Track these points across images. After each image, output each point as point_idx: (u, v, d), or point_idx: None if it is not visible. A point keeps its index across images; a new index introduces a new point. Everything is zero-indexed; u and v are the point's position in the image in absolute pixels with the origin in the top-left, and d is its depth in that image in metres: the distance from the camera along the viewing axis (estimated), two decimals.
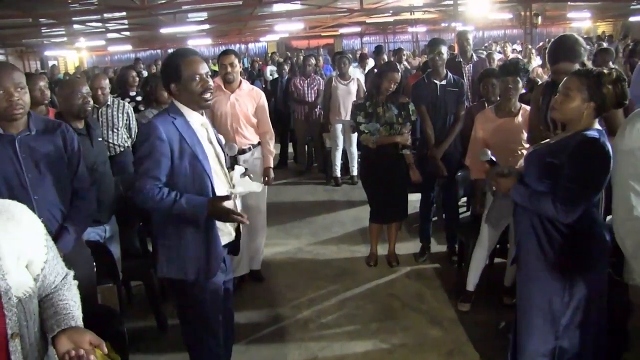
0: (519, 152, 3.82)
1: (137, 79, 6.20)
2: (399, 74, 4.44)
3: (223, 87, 4.36)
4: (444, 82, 4.66)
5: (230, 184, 2.77)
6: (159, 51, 26.38)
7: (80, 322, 1.72)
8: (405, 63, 8.75)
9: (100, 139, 3.59)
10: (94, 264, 3.00)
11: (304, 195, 7.25)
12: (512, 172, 2.67)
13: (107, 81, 4.91)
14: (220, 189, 2.68)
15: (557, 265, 2.49)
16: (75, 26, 16.45)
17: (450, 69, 4.86)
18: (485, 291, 4.05)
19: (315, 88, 7.79)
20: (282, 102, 8.75)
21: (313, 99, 7.80)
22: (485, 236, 3.86)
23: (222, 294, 2.86)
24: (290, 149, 9.01)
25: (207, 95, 2.63)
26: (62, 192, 2.74)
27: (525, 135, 3.75)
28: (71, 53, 25.21)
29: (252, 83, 13.18)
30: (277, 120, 9.35)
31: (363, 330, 3.82)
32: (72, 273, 1.90)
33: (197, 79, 2.57)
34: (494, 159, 2.81)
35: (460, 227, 4.58)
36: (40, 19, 13.98)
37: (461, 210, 5.29)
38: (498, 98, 4.23)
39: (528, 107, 3.78)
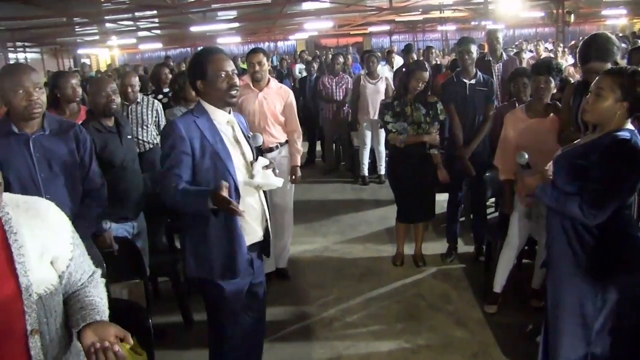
0: (550, 154, 3.76)
1: (170, 75, 6.27)
2: (428, 73, 4.41)
3: (251, 85, 4.39)
4: (473, 81, 4.61)
5: (250, 174, 2.70)
6: (188, 49, 26.64)
7: (105, 317, 1.74)
8: (437, 60, 8.65)
9: (129, 137, 3.64)
10: (105, 264, 3.03)
11: (331, 194, 7.24)
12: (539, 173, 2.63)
13: (137, 79, 4.98)
14: (244, 188, 2.66)
15: (589, 269, 2.43)
16: (107, 25, 16.69)
17: (479, 68, 4.81)
18: (513, 293, 4.00)
19: (343, 87, 7.78)
20: (310, 101, 8.77)
21: (341, 97, 7.79)
22: (514, 237, 3.81)
23: (243, 297, 2.84)
24: (318, 148, 9.02)
25: (234, 92, 2.64)
26: (72, 192, 2.79)
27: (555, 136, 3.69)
28: (103, 51, 25.67)
29: (281, 81, 13.31)
30: (305, 119, 9.38)
31: (388, 330, 3.80)
32: (99, 271, 1.93)
33: (223, 75, 2.58)
34: (529, 163, 2.79)
35: (488, 227, 4.52)
36: (74, 18, 14.24)
37: (489, 210, 5.23)
38: (529, 98, 4.18)
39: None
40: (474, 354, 3.49)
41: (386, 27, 22.37)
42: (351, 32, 23.77)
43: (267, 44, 29.35)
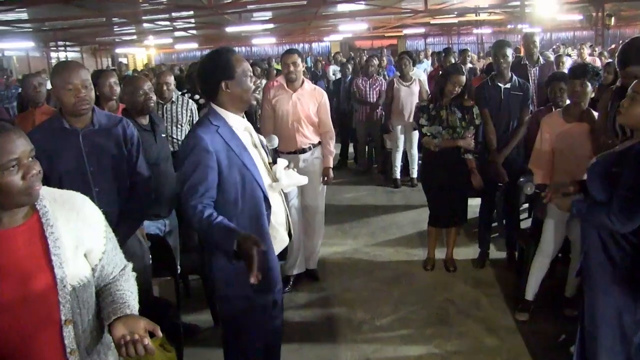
0: (587, 159, 3.69)
1: None
2: (464, 76, 4.37)
3: (285, 86, 4.41)
4: (508, 86, 4.55)
5: (274, 178, 2.67)
6: None
7: (135, 311, 1.78)
8: (471, 65, 8.58)
9: (163, 135, 3.69)
10: (150, 256, 3.08)
11: (363, 196, 7.23)
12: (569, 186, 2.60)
13: (173, 78, 5.05)
14: (271, 196, 2.60)
15: (628, 279, 2.36)
16: (145, 25, 16.99)
17: (515, 72, 4.74)
18: (545, 301, 3.93)
19: (377, 89, 7.76)
20: (344, 102, 8.77)
21: (375, 99, 7.77)
22: (547, 244, 3.75)
23: (270, 310, 2.77)
24: (351, 149, 9.01)
25: (256, 93, 2.64)
26: (121, 185, 2.85)
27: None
28: (140, 50, 26.14)
29: (315, 83, 13.31)
30: (339, 121, 9.40)
31: (417, 335, 3.78)
32: (130, 265, 1.97)
33: (250, 75, 2.51)
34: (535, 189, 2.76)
35: (521, 234, 4.45)
36: (112, 18, 14.53)
37: (522, 216, 5.15)
38: (566, 103, 4.11)
39: (596, 113, 3.65)
40: None
41: (421, 30, 22.24)
42: (386, 35, 23.71)
43: (302, 45, 29.52)
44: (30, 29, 15.38)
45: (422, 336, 3.76)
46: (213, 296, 3.96)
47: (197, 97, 5.75)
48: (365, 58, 9.59)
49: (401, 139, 7.31)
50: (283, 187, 2.73)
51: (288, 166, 2.76)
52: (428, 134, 4.42)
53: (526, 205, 5.32)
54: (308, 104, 4.40)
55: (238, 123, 2.58)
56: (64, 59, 22.21)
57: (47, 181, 2.65)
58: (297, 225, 4.54)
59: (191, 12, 14.56)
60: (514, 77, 4.61)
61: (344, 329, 3.92)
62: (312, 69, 14.10)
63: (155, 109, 4.83)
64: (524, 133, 4.52)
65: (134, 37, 20.82)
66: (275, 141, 3.44)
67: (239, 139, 2.54)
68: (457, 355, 3.53)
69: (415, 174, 7.40)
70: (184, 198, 2.42)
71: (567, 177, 3.12)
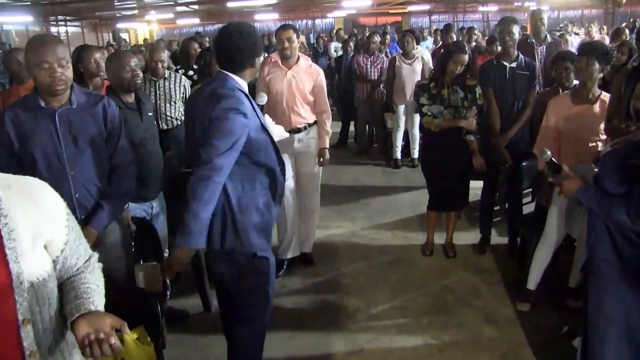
0: (595, 143, 3.51)
1: (199, 50, 6.14)
2: (467, 55, 4.16)
3: (280, 63, 4.21)
4: (514, 65, 4.33)
5: None
6: None
7: (101, 307, 1.62)
8: (475, 43, 8.31)
9: (150, 114, 3.51)
10: (133, 243, 2.92)
11: (362, 177, 7.05)
12: (576, 172, 2.40)
13: (165, 54, 4.87)
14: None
15: (637, 277, 2.18)
16: None
17: (521, 51, 4.52)
18: (548, 291, 3.78)
19: (378, 66, 7.54)
20: (345, 80, 8.55)
21: (376, 77, 7.55)
22: (551, 232, 3.58)
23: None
24: (352, 128, 8.80)
25: None
26: (99, 169, 2.67)
27: (602, 125, 3.43)
28: (142, 25, 25.79)
29: (317, 60, 13.10)
30: (340, 99, 9.21)
31: (413, 325, 3.64)
32: (96, 255, 1.81)
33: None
34: (554, 160, 2.55)
35: (523, 220, 4.29)
36: None
37: (526, 200, 4.98)
38: (574, 83, 3.91)
39: (608, 95, 3.46)
40: (504, 354, 3.30)
41: (426, 7, 21.82)
42: (390, 11, 23.30)
43: (305, 21, 29.11)
44: (29, 3, 15.12)
45: (418, 326, 3.62)
46: (203, 280, 3.89)
47: (190, 72, 5.58)
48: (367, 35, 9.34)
49: (402, 118, 7.12)
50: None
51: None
52: (429, 113, 4.23)
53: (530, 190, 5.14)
54: (303, 81, 4.20)
55: (246, 89, 2.67)
56: (63, 34, 22.00)
57: (21, 164, 2.51)
58: (292, 207, 4.40)
59: None
60: (520, 56, 4.39)
61: (338, 317, 3.78)
62: (315, 46, 13.86)
63: (146, 86, 4.68)
64: (529, 114, 4.32)
65: (135, 11, 20.50)
66: (264, 98, 3.42)
67: (254, 104, 2.66)
68: (454, 346, 3.39)
69: (416, 155, 7.22)
70: (202, 162, 2.41)
71: (573, 162, 2.94)
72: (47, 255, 1.60)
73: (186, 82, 4.88)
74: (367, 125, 8.25)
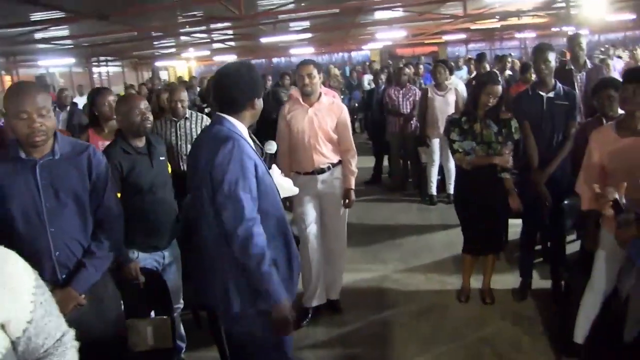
0: None
1: None
2: (500, 86, 3.88)
3: (301, 100, 4.03)
4: (551, 94, 4.03)
5: None
6: (262, 60, 26.85)
7: None
8: (510, 72, 7.97)
9: (162, 158, 3.33)
10: (122, 302, 2.71)
11: (396, 215, 6.76)
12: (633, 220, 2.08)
13: (186, 93, 4.75)
14: None
15: None
16: (182, 37, 16.94)
17: (559, 79, 4.21)
18: (598, 345, 3.38)
19: (410, 99, 7.32)
20: (377, 114, 8.34)
21: (408, 110, 7.33)
22: (599, 280, 3.21)
23: None
24: (386, 163, 8.54)
25: None
26: (83, 224, 2.47)
27: None
28: (180, 63, 26.28)
29: (351, 93, 12.92)
30: (372, 133, 8.98)
31: None
32: (71, 333, 1.60)
33: None
34: (620, 200, 2.24)
35: (567, 263, 3.93)
36: (148, 33, 14.47)
37: (571, 237, 4.60)
38: (619, 113, 3.58)
39: None
40: None
41: (462, 36, 21.52)
42: (425, 42, 23.12)
43: (341, 54, 29.20)
44: (71, 46, 15.51)
45: None
46: (220, 331, 3.64)
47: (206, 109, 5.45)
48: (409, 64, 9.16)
49: (437, 152, 6.83)
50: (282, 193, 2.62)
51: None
52: (460, 150, 3.95)
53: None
54: (325, 119, 4.00)
55: (246, 133, 2.48)
56: (105, 75, 22.58)
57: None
58: (316, 252, 4.15)
59: (227, 24, 14.38)
60: (558, 85, 4.08)
61: None
62: (349, 79, 13.76)
63: (167, 126, 4.55)
64: (570, 148, 3.99)
65: (173, 50, 20.86)
66: (274, 146, 3.20)
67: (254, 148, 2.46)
68: None
69: (452, 190, 6.83)
70: (231, 222, 2.23)
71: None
72: (4, 336, 1.40)
73: (207, 121, 4.74)
74: (400, 160, 7.98)
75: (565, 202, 3.84)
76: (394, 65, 12.93)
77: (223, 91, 2.43)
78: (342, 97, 13.98)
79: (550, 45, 4.19)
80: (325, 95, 5.37)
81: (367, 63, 14.00)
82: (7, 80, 17.10)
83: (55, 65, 19.14)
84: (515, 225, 4.46)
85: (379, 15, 14.98)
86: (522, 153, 4.08)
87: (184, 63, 26.72)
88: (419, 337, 3.83)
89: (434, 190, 7.02)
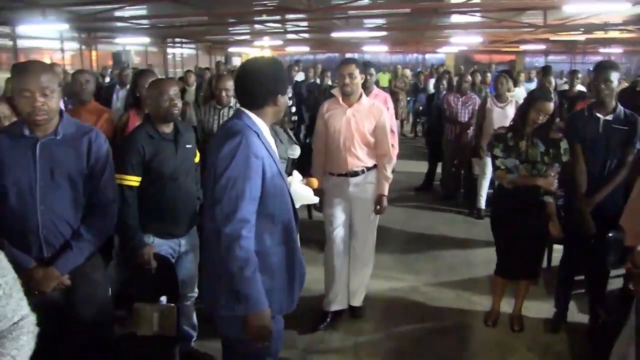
0: None
1: None
2: (552, 103, 3.63)
3: (340, 100, 3.91)
4: (609, 117, 3.73)
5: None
6: (336, 55, 26.75)
7: None
8: (582, 88, 7.53)
9: (189, 146, 3.28)
10: (109, 287, 2.69)
11: (440, 225, 6.54)
12: None
13: (232, 82, 4.71)
14: None
15: None
16: (256, 26, 17.07)
17: (624, 101, 3.89)
18: None
19: (470, 107, 7.06)
20: (435, 120, 8.10)
21: (466, 119, 7.07)
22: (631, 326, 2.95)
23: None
24: (439, 170, 8.30)
25: None
26: (74, 206, 2.47)
27: None
28: (255, 51, 26.59)
29: (416, 96, 12.66)
30: (429, 140, 8.76)
31: None
32: (31, 317, 1.57)
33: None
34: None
35: (606, 303, 3.64)
36: (220, 18, 14.66)
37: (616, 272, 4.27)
38: None
39: None
40: None
41: (541, 46, 20.68)
42: (503, 49, 22.40)
43: (415, 55, 28.77)
44: (147, 26, 15.92)
45: None
46: None
47: None
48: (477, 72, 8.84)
49: (490, 165, 6.54)
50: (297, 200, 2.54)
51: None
52: (502, 167, 3.73)
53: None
54: (363, 121, 3.87)
55: (267, 131, 2.38)
56: (178, 56, 23.11)
57: None
58: (341, 256, 4.04)
59: (300, 15, 14.37)
60: (619, 108, 3.77)
61: None
62: (415, 82, 13.51)
63: (210, 113, 4.54)
64: (623, 177, 3.70)
65: (247, 37, 21.08)
66: (297, 151, 3.08)
67: (272, 147, 2.37)
68: None
69: (482, 204, 6.64)
70: (221, 219, 2.13)
71: None
72: None
73: None
74: (454, 169, 7.72)
75: (610, 234, 3.55)
76: (465, 70, 12.57)
77: (245, 86, 2.33)
78: (408, 99, 13.82)
79: (614, 64, 3.86)
80: (375, 96, 5.28)
81: (435, 67, 13.65)
82: (87, 56, 17.84)
83: (132, 44, 19.72)
84: (559, 250, 4.20)
85: (455, 18, 14.60)
86: (569, 177, 3.81)
87: (258, 51, 27.04)
88: (434, 356, 3.66)
89: (482, 203, 6.75)
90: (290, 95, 6.08)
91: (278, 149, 3.55)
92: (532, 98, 3.69)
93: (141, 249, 3.09)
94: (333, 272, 4.05)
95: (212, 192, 2.20)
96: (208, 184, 2.30)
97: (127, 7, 11.49)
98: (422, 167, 8.51)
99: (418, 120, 12.85)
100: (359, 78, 3.85)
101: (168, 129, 3.21)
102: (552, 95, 3.70)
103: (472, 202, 6.95)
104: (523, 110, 3.73)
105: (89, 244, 2.51)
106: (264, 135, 2.31)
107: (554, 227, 3.67)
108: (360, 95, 3.91)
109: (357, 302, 4.21)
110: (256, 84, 2.29)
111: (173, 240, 3.27)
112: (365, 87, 5.34)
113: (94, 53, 18.08)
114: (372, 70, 5.39)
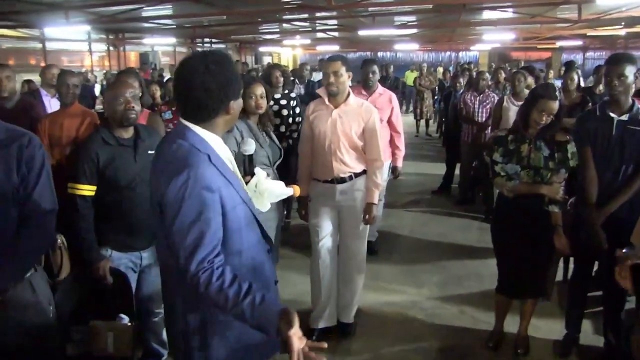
0: None
1: (282, 79, 5.71)
2: (557, 102, 3.24)
3: (326, 100, 3.60)
4: (624, 117, 3.31)
5: (256, 192, 2.20)
6: (368, 53, 26.37)
7: None
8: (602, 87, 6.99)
9: (151, 152, 3.02)
10: (52, 308, 2.41)
11: (453, 232, 6.15)
12: None
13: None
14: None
15: None
16: (284, 25, 16.87)
17: None
18: None
19: (487, 106, 6.65)
20: (452, 119, 7.71)
21: (484, 118, 6.67)
22: None
23: None
24: (458, 173, 7.91)
25: None
26: (5, 219, 2.16)
27: None
28: (285, 50, 26.43)
29: (442, 94, 12.22)
30: (445, 140, 8.39)
31: None
32: None
33: None
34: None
35: (619, 327, 3.25)
36: (248, 17, 14.49)
37: None
38: None
39: None
40: None
41: (578, 42, 19.87)
42: (538, 46, 21.66)
43: (448, 53, 28.17)
44: (174, 26, 15.88)
45: None
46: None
47: (271, 103, 5.12)
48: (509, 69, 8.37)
49: None
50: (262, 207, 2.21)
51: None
52: (502, 173, 3.36)
53: None
54: (350, 123, 3.55)
55: (220, 146, 1.96)
56: None
57: None
58: (329, 269, 3.75)
59: (328, 13, 14.09)
60: (636, 106, 3.35)
61: None
62: (442, 80, 13.09)
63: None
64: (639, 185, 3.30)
65: (276, 36, 20.92)
66: (251, 146, 2.72)
67: (229, 168, 1.94)
68: None
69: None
70: (186, 263, 1.76)
71: None
72: None
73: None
74: (472, 172, 7.31)
75: (624, 250, 3.15)
76: (496, 67, 12.07)
77: (188, 91, 1.84)
78: (435, 97, 13.38)
79: (630, 56, 3.37)
80: (380, 95, 4.95)
81: (461, 65, 13.19)
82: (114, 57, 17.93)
83: (160, 44, 19.78)
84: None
85: (486, 14, 14.10)
86: (578, 185, 3.42)
87: (289, 50, 26.86)
88: None
89: None
90: (294, 95, 5.80)
91: (258, 154, 3.30)
92: (535, 96, 3.31)
93: (96, 263, 2.87)
94: (319, 286, 3.75)
95: (164, 227, 1.84)
96: (156, 213, 1.90)
97: (146, 7, 11.38)
98: (439, 169, 8.14)
99: (443, 119, 12.43)
100: (345, 76, 3.53)
101: (127, 134, 2.97)
102: (557, 93, 3.31)
103: (489, 206, 6.54)
104: (525, 110, 3.36)
105: (23, 260, 2.22)
106: (217, 155, 1.90)
107: (559, 240, 3.29)
108: (348, 95, 3.59)
109: (346, 318, 3.90)
110: (201, 92, 1.81)
111: (133, 254, 3.03)
112: (368, 85, 5.07)
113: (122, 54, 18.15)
114: (375, 68, 5.06)
